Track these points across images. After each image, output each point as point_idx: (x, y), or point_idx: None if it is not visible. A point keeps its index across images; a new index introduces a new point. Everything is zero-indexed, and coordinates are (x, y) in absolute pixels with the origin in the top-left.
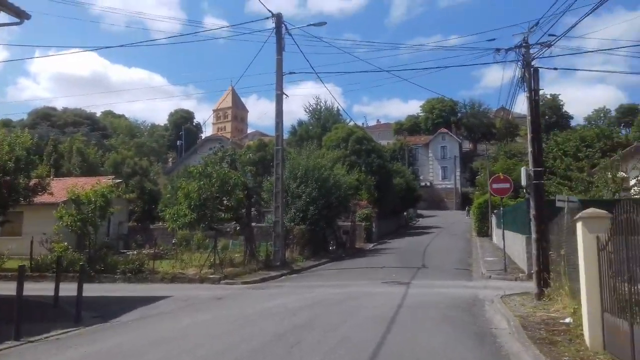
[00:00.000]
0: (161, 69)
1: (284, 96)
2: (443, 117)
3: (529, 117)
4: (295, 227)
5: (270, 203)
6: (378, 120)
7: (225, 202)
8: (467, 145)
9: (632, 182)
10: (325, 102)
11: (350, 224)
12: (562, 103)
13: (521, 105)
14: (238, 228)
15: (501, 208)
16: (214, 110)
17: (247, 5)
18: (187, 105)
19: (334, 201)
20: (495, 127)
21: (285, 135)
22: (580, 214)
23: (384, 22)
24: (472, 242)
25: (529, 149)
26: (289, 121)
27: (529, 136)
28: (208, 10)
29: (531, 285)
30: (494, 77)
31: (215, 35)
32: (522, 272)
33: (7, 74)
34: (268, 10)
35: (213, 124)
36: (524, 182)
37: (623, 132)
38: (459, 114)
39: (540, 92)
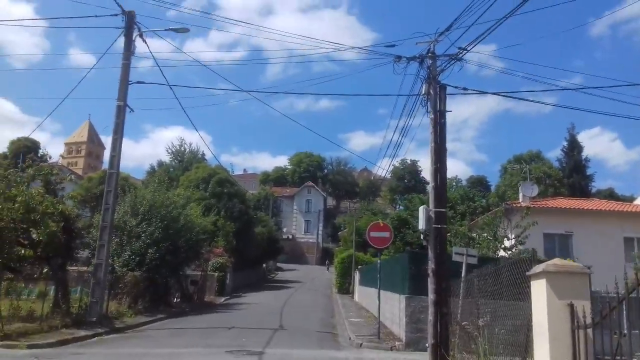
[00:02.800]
0: (13, 95)
1: (128, 109)
2: (310, 171)
3: (433, 144)
4: (129, 273)
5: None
6: (245, 170)
7: (34, 235)
8: (331, 202)
9: (511, 242)
10: (190, 145)
11: (200, 273)
12: (420, 169)
13: (382, 169)
14: (45, 270)
15: (379, 261)
16: (66, 144)
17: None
18: (41, 138)
19: (182, 245)
20: (358, 186)
21: (141, 176)
22: (542, 267)
23: (259, 77)
24: (333, 300)
25: (431, 184)
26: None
27: (431, 168)
28: (75, 43)
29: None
30: (360, 141)
31: (79, 65)
32: (398, 340)
33: None
34: (118, 5)
35: (63, 157)
36: (422, 226)
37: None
38: (325, 170)
39: (401, 158)
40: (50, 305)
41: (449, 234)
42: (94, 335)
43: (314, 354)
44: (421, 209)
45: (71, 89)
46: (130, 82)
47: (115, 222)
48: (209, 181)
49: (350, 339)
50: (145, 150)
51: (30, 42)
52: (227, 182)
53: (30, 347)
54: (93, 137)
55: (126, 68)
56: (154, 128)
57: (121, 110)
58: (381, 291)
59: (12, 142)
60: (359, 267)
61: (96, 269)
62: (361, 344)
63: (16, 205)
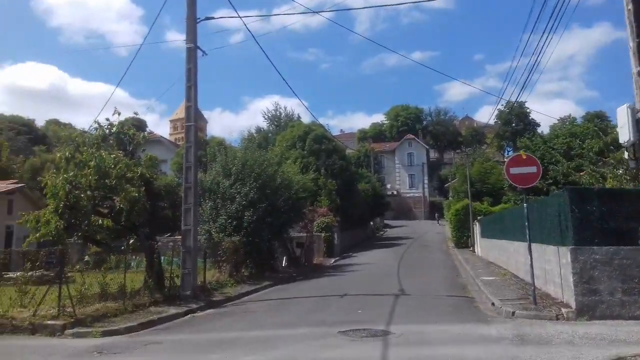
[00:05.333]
0: (123, 83)
1: (200, 53)
2: (408, 124)
3: (630, 6)
4: (226, 238)
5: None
6: (341, 130)
7: (115, 202)
8: (434, 154)
9: None
10: (285, 109)
11: (306, 234)
12: (528, 111)
13: (485, 114)
14: (132, 242)
15: (525, 206)
16: (171, 121)
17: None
18: (150, 119)
19: (281, 205)
20: (461, 135)
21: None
22: None
23: (348, 38)
24: (452, 255)
25: (635, 69)
26: (248, 130)
27: (632, 44)
28: (170, 26)
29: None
30: (457, 91)
31: (177, 48)
32: (563, 306)
33: None
34: None
35: (170, 134)
36: (627, 137)
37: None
38: (424, 122)
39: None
40: (144, 280)
41: None
42: (186, 313)
43: (456, 331)
44: (622, 110)
45: (171, 69)
46: (198, 20)
47: (208, 185)
48: (305, 139)
49: (494, 305)
50: (245, 122)
51: (131, 29)
52: (325, 138)
53: (104, 334)
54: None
55: (192, 4)
56: (252, 99)
57: (192, 54)
58: (517, 243)
59: (121, 123)
60: (478, 217)
61: (184, 236)
62: (513, 313)
63: (88, 170)
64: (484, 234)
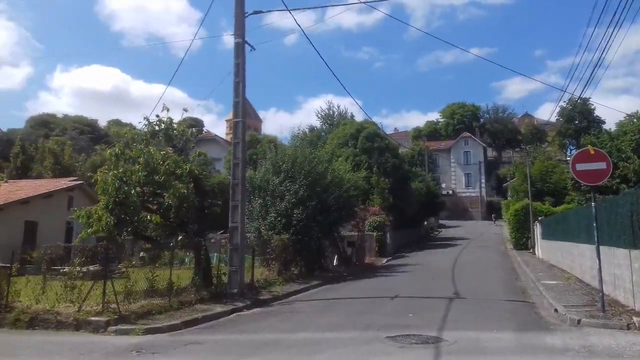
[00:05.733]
0: (181, 84)
1: (249, 48)
2: (464, 122)
3: None
4: (275, 236)
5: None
6: (396, 129)
7: (164, 199)
8: (491, 153)
9: None
10: (339, 107)
11: (357, 233)
12: (593, 107)
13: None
14: (180, 238)
15: (593, 205)
16: (227, 121)
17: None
18: (207, 119)
19: (332, 203)
20: (520, 133)
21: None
22: None
23: (402, 35)
24: (510, 257)
25: None
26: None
27: None
28: (227, 27)
29: None
30: (515, 89)
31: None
32: (636, 314)
33: (27, 89)
34: None
35: (226, 134)
36: None
37: None
38: (482, 120)
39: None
40: (192, 277)
41: None
42: (231, 312)
43: (515, 340)
44: None
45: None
46: (246, 14)
47: (258, 182)
48: (357, 137)
49: (557, 311)
50: (299, 121)
51: (190, 31)
52: (377, 136)
53: (147, 332)
54: (249, 111)
55: None
56: (306, 98)
57: (240, 48)
58: (591, 245)
59: (179, 123)
60: (539, 218)
61: (232, 233)
62: (579, 321)
63: (137, 166)
64: (545, 236)
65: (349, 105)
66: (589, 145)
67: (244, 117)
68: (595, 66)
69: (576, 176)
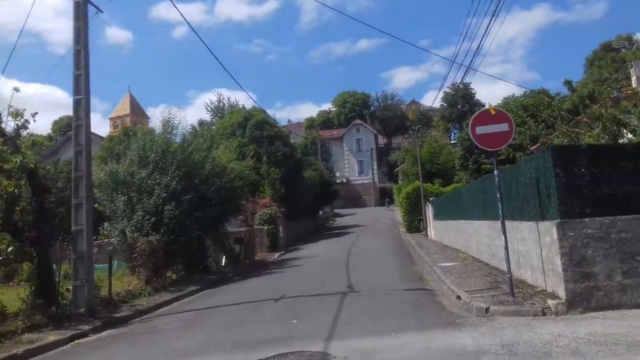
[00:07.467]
0: (61, 83)
1: (94, 10)
2: (356, 110)
3: None
4: (141, 238)
5: (118, 204)
6: (289, 120)
7: None
8: (382, 140)
9: None
10: (229, 99)
11: (246, 229)
12: (474, 92)
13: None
14: (11, 249)
15: (495, 173)
16: (110, 119)
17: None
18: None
19: (213, 196)
20: (408, 119)
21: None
22: None
23: (293, 28)
24: (404, 241)
25: None
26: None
27: None
28: (109, 20)
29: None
30: (403, 78)
31: (119, 44)
32: (549, 296)
33: None
34: None
35: (110, 133)
36: None
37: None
38: (372, 107)
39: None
40: (29, 296)
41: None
42: (70, 339)
43: (419, 344)
44: None
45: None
46: None
47: (122, 176)
48: (245, 126)
49: (460, 298)
50: (192, 117)
51: (69, 26)
52: (266, 123)
53: None
54: (135, 108)
55: None
56: (198, 93)
57: (80, 8)
58: (488, 221)
59: (55, 122)
60: (430, 199)
61: (76, 238)
62: (487, 309)
63: None
64: (437, 216)
65: (243, 99)
66: (488, 104)
67: (87, 93)
68: (475, 53)
69: (476, 141)
